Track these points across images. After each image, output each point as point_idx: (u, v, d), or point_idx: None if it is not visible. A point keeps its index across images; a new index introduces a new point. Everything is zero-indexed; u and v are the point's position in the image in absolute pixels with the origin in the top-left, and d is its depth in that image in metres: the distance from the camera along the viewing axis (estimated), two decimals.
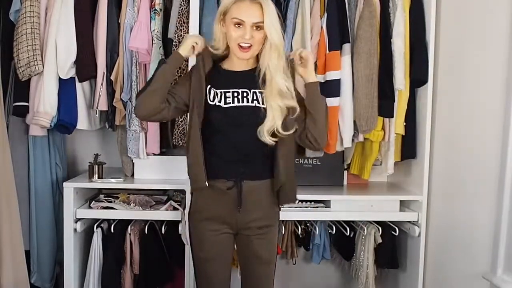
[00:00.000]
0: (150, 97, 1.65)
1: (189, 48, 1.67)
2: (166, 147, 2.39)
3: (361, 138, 2.27)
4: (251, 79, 1.66)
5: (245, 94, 1.66)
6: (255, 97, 1.66)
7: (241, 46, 1.60)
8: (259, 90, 1.67)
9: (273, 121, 1.61)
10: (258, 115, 1.64)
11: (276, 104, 1.61)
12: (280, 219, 2.35)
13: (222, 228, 1.72)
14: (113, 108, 2.27)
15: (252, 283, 1.80)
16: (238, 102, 1.65)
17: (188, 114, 1.72)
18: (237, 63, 1.70)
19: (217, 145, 1.67)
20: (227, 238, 1.75)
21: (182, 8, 2.17)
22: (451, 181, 2.08)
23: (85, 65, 2.19)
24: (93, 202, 2.27)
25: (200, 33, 2.15)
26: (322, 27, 2.17)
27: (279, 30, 1.60)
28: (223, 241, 1.74)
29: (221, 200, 1.69)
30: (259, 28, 1.59)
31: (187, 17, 2.15)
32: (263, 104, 1.65)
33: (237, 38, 1.59)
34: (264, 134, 1.61)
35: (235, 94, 1.66)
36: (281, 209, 2.23)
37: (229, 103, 1.65)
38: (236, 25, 1.59)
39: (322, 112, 1.69)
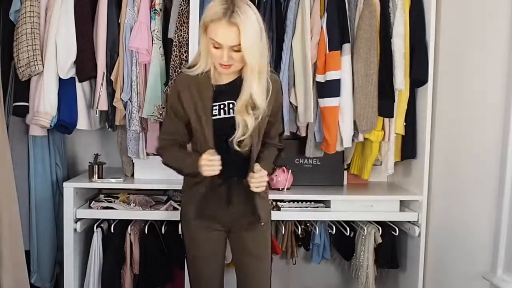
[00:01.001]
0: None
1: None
2: None
3: (361, 138, 2.27)
4: (237, 90, 1.63)
5: (231, 106, 1.65)
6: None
7: (221, 64, 1.58)
8: None
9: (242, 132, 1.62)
10: None
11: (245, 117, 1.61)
12: (281, 219, 2.38)
13: (214, 226, 1.73)
14: (113, 108, 2.27)
15: (246, 279, 1.80)
16: (225, 114, 1.65)
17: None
18: (223, 75, 1.67)
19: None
20: (219, 235, 1.76)
21: (182, 8, 2.16)
22: (451, 181, 2.08)
23: (85, 65, 2.18)
24: (93, 202, 2.27)
25: (200, 33, 2.14)
26: (322, 27, 2.18)
27: (257, 51, 1.53)
28: (215, 238, 1.75)
29: (211, 197, 1.69)
30: (237, 50, 1.53)
31: (187, 17, 2.15)
32: None
33: (217, 58, 1.56)
34: (234, 145, 1.62)
35: (222, 106, 1.66)
36: (281, 208, 2.25)
37: (216, 115, 1.65)
38: (215, 47, 1.54)
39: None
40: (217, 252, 1.78)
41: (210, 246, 1.75)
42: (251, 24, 1.50)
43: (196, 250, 1.76)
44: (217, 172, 1.60)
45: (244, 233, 1.75)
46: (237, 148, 1.62)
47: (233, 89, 1.64)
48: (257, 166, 1.62)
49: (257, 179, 1.61)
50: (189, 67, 1.68)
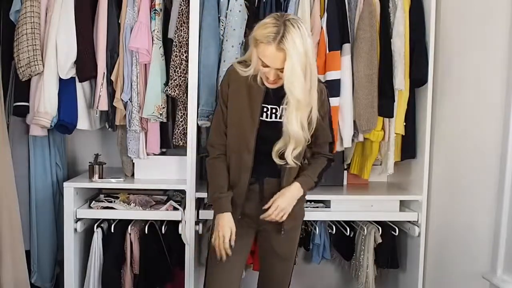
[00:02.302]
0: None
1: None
2: (166, 147, 2.39)
3: (361, 138, 2.27)
4: (280, 94, 1.64)
5: (274, 111, 1.69)
6: (283, 113, 1.66)
7: (267, 79, 1.62)
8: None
9: (284, 144, 1.63)
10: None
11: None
12: None
13: (245, 220, 1.75)
14: (113, 108, 2.27)
15: (269, 278, 1.86)
16: (267, 117, 1.69)
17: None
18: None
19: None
20: (248, 231, 1.79)
21: (182, 8, 2.17)
22: (451, 181, 2.08)
23: (85, 65, 2.18)
24: (93, 202, 2.27)
25: (200, 33, 2.15)
26: (322, 27, 2.18)
27: (301, 81, 1.52)
28: (243, 233, 1.75)
29: (244, 195, 1.72)
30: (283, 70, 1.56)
31: (187, 17, 2.15)
32: None
33: (265, 73, 1.60)
34: (275, 158, 1.65)
35: (264, 110, 1.69)
36: None
37: (261, 117, 1.69)
38: (263, 65, 1.58)
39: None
40: (243, 247, 1.78)
41: (238, 240, 1.73)
42: (297, 53, 1.50)
43: None
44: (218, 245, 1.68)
45: (274, 233, 1.76)
46: (277, 161, 1.65)
47: (278, 95, 1.65)
48: (269, 203, 1.67)
49: (274, 213, 1.66)
50: (239, 62, 1.70)
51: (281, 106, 1.66)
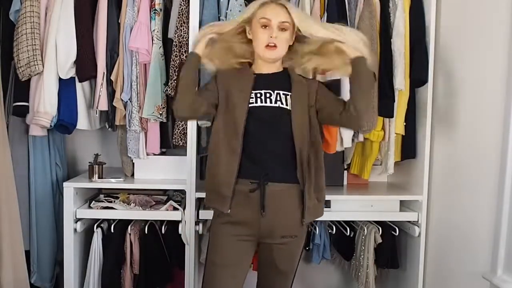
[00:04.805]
0: (184, 93, 1.64)
1: (203, 46, 1.69)
2: (166, 147, 2.39)
3: (361, 138, 2.27)
4: (275, 80, 1.69)
5: (268, 95, 1.67)
6: (278, 98, 1.67)
7: (267, 46, 1.64)
8: (284, 92, 1.68)
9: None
10: (281, 115, 1.65)
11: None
12: None
13: (244, 234, 1.66)
14: (113, 108, 2.27)
15: None
16: (261, 102, 1.67)
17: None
18: (263, 66, 1.73)
19: (244, 145, 1.64)
20: (247, 245, 1.69)
21: (182, 8, 2.17)
22: (451, 181, 2.08)
23: (85, 65, 2.18)
24: (93, 202, 2.27)
25: None
26: None
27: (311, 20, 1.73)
28: (242, 248, 1.67)
29: (244, 203, 1.63)
30: (284, 29, 1.65)
31: (187, 17, 2.15)
32: (287, 105, 1.66)
33: (264, 41, 1.64)
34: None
35: (258, 95, 1.67)
36: None
37: (252, 103, 1.66)
38: (263, 27, 1.64)
39: (364, 89, 1.66)
40: (240, 262, 1.69)
41: (235, 255, 1.67)
42: (296, 9, 1.72)
43: (219, 255, 1.67)
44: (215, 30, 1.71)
45: (275, 246, 1.68)
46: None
47: (271, 80, 1.69)
48: None
49: (336, 30, 1.70)
50: None
51: (275, 91, 1.67)
